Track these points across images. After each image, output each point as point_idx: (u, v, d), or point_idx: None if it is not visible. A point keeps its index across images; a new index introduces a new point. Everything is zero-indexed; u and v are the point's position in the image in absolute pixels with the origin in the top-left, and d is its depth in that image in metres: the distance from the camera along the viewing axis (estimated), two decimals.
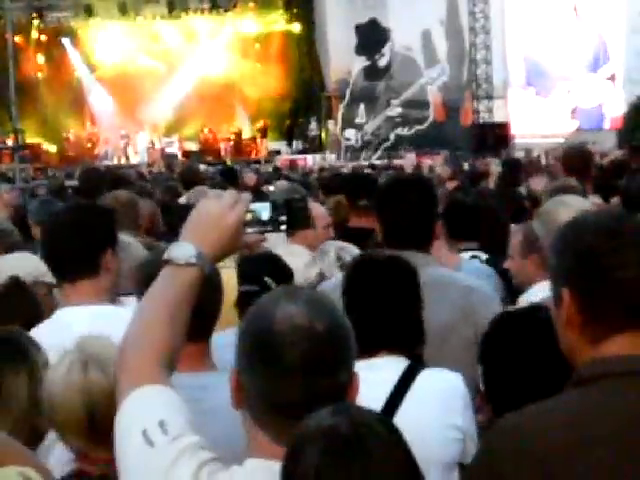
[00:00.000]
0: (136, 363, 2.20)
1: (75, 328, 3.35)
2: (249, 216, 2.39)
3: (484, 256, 5.65)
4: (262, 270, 3.99)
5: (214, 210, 2.33)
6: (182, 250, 2.29)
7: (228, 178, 12.01)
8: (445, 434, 3.16)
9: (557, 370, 2.38)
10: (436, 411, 3.16)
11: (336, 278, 4.09)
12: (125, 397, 2.16)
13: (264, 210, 2.43)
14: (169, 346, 2.24)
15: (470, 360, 3.86)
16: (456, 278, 4.11)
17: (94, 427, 2.71)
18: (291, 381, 2.04)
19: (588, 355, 2.14)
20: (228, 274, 4.56)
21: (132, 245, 4.53)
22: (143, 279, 2.95)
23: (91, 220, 3.72)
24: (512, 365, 2.72)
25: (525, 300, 4.28)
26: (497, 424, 2.17)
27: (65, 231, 3.68)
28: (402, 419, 3.05)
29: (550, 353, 2.38)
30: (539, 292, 4.08)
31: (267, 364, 2.06)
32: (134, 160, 33.63)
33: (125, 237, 4.37)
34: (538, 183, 7.84)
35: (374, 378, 3.04)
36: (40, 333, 3.42)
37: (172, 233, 5.07)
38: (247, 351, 2.11)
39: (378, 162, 26.97)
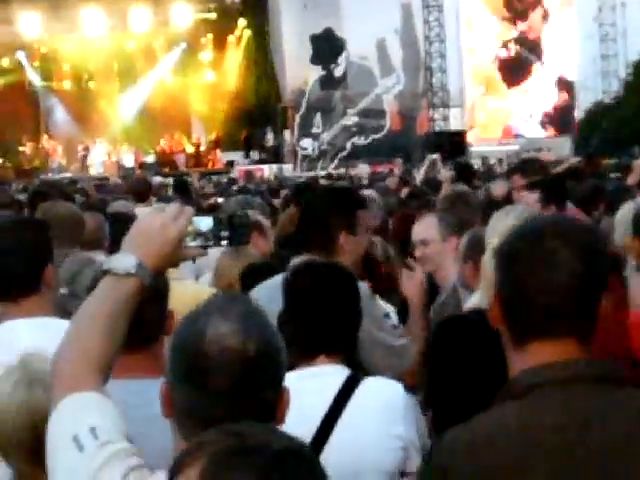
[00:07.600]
0: (69, 371, 2.17)
1: (19, 340, 3.31)
2: (191, 229, 2.37)
3: None
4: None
5: (156, 222, 2.32)
6: (122, 260, 2.27)
7: (181, 190, 12.04)
8: (386, 443, 3.14)
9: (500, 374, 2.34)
10: (377, 420, 3.15)
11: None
12: (57, 404, 2.14)
13: (206, 224, 2.42)
14: (104, 354, 2.21)
15: None
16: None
17: (38, 448, 2.64)
18: (218, 401, 2.03)
19: (515, 361, 2.15)
20: (182, 286, 4.53)
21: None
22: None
23: (30, 236, 3.63)
24: (458, 368, 2.69)
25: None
26: (447, 441, 2.15)
27: (4, 250, 3.58)
28: (343, 429, 3.10)
29: (496, 358, 2.35)
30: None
31: (195, 385, 2.05)
32: (91, 172, 33.47)
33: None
34: (499, 188, 7.83)
35: (315, 387, 3.08)
36: None
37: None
38: (176, 367, 2.10)
39: (335, 172, 27.00)
